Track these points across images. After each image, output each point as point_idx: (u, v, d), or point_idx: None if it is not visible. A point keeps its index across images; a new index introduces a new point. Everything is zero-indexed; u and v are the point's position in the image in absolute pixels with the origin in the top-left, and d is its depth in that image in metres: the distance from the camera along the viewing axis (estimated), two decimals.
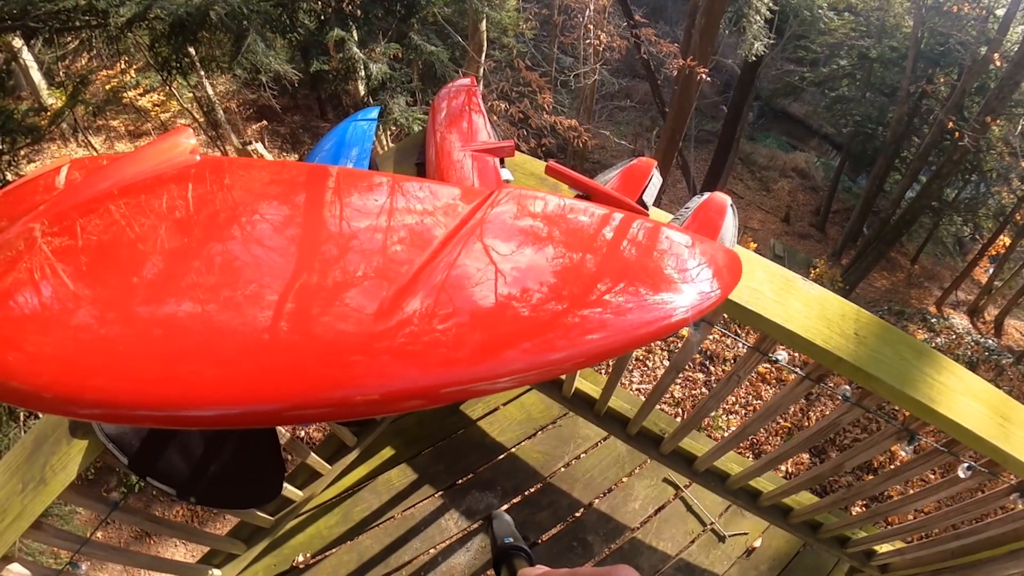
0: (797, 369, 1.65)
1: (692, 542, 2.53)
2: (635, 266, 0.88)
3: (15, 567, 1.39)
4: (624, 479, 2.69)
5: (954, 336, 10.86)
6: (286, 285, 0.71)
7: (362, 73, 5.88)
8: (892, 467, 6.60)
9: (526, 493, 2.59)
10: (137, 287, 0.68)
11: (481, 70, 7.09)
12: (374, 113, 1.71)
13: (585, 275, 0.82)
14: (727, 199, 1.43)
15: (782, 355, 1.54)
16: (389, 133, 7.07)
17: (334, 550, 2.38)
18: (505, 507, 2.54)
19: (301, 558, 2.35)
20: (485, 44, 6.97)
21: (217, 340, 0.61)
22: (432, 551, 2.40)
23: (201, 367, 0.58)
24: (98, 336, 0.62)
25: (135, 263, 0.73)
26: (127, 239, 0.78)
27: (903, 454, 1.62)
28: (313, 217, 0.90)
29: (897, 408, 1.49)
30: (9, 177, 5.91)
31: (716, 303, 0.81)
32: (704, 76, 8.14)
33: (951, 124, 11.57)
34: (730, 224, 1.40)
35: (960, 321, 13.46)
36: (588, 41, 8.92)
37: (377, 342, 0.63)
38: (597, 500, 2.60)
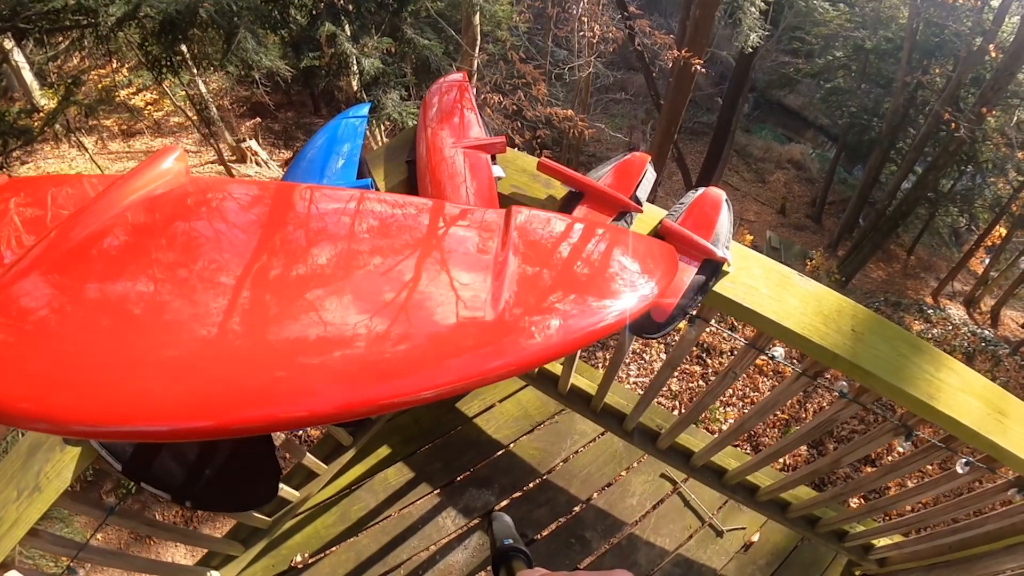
0: (794, 365, 1.64)
1: (690, 537, 2.53)
2: (578, 277, 0.92)
3: (13, 574, 1.38)
4: (622, 474, 2.69)
5: (951, 327, 10.88)
6: (238, 302, 0.74)
7: (355, 68, 5.84)
8: (889, 459, 6.63)
9: (523, 490, 2.58)
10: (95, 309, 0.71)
11: (475, 64, 7.06)
12: (365, 110, 1.69)
13: (533, 286, 0.85)
14: (722, 194, 1.42)
15: (779, 351, 1.53)
16: (383, 129, 7.03)
17: (332, 550, 2.37)
18: (503, 503, 2.53)
19: (299, 558, 2.34)
20: (479, 38, 6.93)
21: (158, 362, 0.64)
22: (430, 549, 2.40)
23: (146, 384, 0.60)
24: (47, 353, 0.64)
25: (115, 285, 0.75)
26: (102, 264, 0.79)
27: (901, 449, 1.61)
28: (270, 233, 0.92)
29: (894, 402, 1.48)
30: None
31: (649, 306, 0.85)
32: (699, 67, 8.09)
33: (947, 115, 11.54)
34: (725, 219, 1.39)
35: (957, 312, 13.48)
36: (582, 33, 8.86)
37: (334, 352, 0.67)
38: (594, 496, 2.60)
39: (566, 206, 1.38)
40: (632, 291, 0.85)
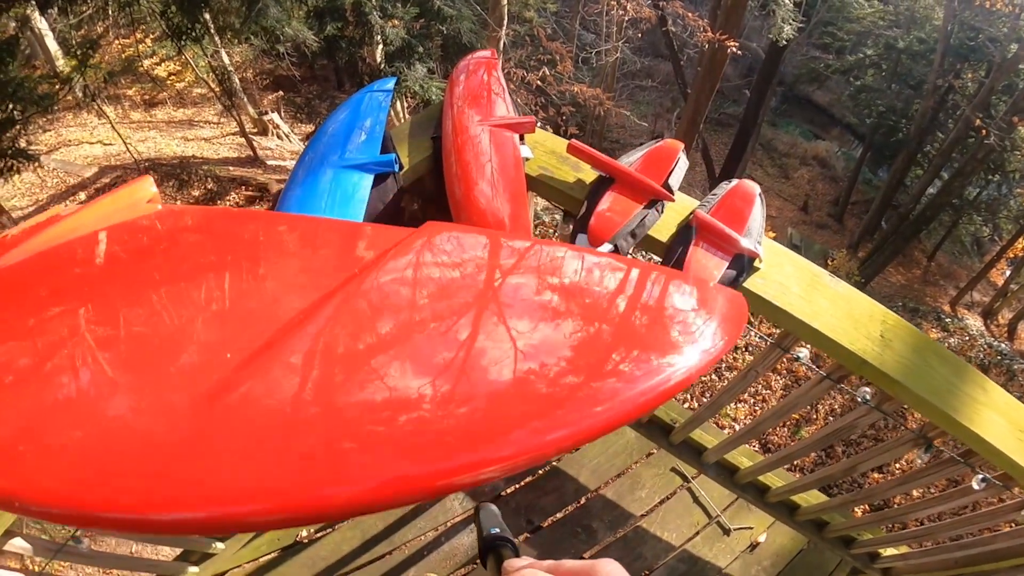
0: (813, 368, 1.60)
1: (696, 534, 2.51)
2: (634, 326, 0.83)
3: (17, 541, 1.38)
4: (632, 466, 2.66)
5: (967, 337, 10.71)
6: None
7: (378, 38, 5.77)
8: (897, 465, 6.56)
9: (532, 476, 2.57)
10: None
11: (501, 43, 6.96)
12: (390, 84, 1.66)
13: (584, 340, 0.77)
14: (756, 187, 1.38)
15: (803, 352, 1.49)
16: (407, 104, 6.97)
17: (338, 526, 2.37)
18: (511, 489, 2.52)
19: (305, 532, 2.35)
20: (506, 17, 6.83)
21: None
22: (437, 530, 2.39)
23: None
24: None
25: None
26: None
27: (918, 461, 1.58)
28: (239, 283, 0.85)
29: (906, 407, 1.44)
30: (22, 144, 5.87)
31: (718, 358, 0.76)
32: (734, 48, 7.88)
33: (977, 121, 11.30)
34: (758, 214, 1.35)
35: (974, 322, 13.28)
36: (612, 12, 8.69)
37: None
38: (603, 487, 2.58)
39: (596, 191, 1.34)
40: (694, 344, 0.76)
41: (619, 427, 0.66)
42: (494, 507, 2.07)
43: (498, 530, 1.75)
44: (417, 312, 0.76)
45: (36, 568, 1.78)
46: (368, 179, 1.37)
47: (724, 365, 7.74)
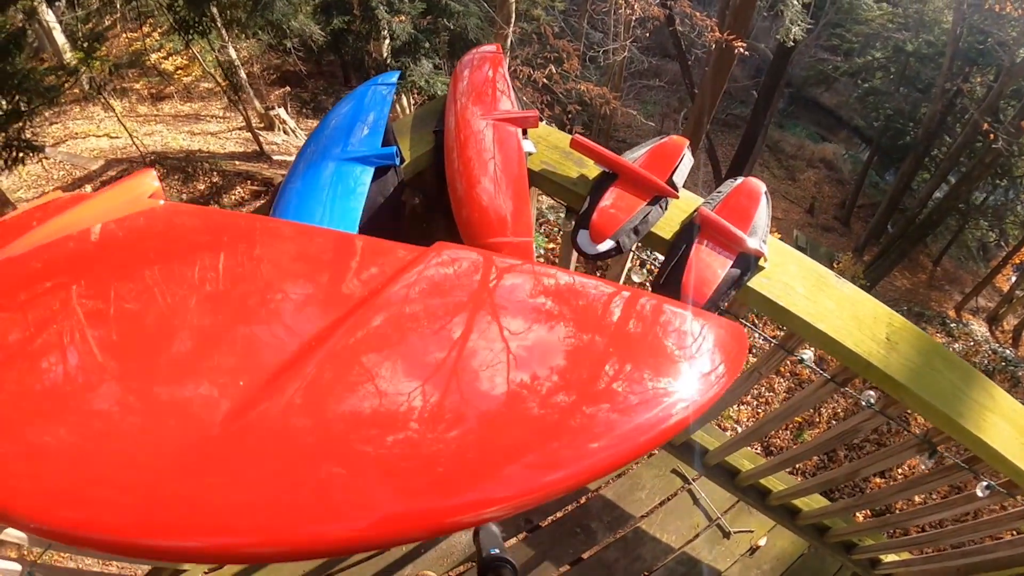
0: (816, 370, 1.58)
1: (696, 536, 2.48)
2: (624, 352, 0.82)
3: (13, 530, 1.38)
4: (632, 467, 2.64)
5: (972, 343, 10.67)
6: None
7: (385, 33, 5.77)
8: (900, 470, 6.51)
9: None
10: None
11: (508, 40, 6.94)
12: (394, 78, 1.65)
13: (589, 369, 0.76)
14: (761, 185, 1.36)
15: (808, 354, 1.47)
16: (413, 101, 6.96)
17: None
18: None
19: None
20: (513, 14, 6.82)
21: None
22: None
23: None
24: None
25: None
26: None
27: (922, 467, 1.56)
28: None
29: (910, 412, 1.42)
30: (27, 135, 5.88)
31: (722, 391, 0.76)
32: (742, 49, 7.84)
33: (986, 126, 11.23)
34: (763, 212, 1.33)
35: (979, 328, 13.21)
36: (620, 10, 8.66)
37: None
38: (603, 487, 2.56)
39: (598, 187, 1.33)
40: (690, 374, 0.75)
41: (620, 467, 0.66)
42: (494, 527, 2.06)
43: (497, 551, 1.74)
44: (416, 332, 0.76)
45: (33, 557, 1.77)
46: (369, 172, 1.36)
47: None
